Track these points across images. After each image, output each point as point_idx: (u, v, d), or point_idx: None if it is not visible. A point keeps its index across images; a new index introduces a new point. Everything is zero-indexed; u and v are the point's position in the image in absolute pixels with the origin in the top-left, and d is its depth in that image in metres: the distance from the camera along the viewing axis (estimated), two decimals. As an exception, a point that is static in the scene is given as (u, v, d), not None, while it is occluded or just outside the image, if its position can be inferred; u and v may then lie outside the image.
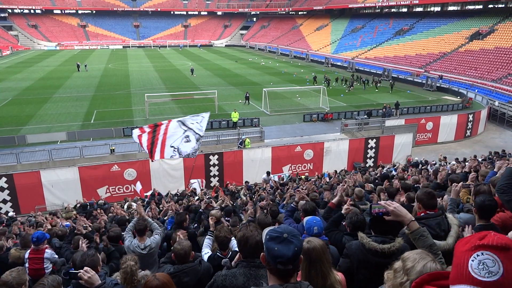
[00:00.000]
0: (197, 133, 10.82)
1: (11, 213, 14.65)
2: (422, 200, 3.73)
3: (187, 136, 10.75)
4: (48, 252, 5.70)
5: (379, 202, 2.94)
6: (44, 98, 33.85)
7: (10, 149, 20.23)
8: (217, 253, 4.37)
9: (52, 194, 16.56)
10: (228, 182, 17.20)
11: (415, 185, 8.40)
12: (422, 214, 3.69)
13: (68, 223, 10.05)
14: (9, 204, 16.04)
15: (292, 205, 5.89)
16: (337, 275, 2.67)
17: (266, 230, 2.13)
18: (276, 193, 11.76)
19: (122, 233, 6.01)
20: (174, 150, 11.01)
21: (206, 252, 4.65)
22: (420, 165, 15.70)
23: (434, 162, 16.78)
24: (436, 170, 11.27)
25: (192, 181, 16.97)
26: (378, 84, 40.96)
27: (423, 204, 3.72)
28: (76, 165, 17.30)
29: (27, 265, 5.47)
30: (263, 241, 2.10)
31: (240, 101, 33.12)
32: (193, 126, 10.87)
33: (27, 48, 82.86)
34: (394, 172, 14.32)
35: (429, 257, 1.85)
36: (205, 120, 11.18)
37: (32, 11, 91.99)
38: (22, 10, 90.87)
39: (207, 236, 5.03)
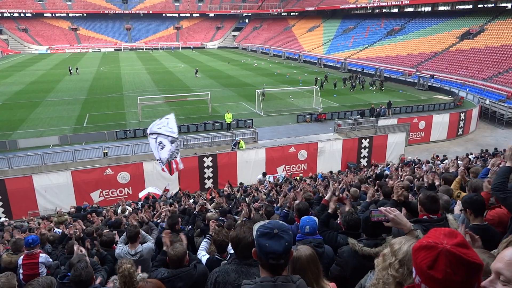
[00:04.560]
0: (168, 135, 10.91)
1: (3, 219, 14.47)
2: (424, 204, 3.66)
3: (160, 143, 10.87)
4: (43, 256, 5.64)
5: (379, 208, 2.93)
6: (36, 102, 33.52)
7: (1, 154, 19.99)
8: (216, 256, 4.36)
9: (44, 199, 16.39)
10: (228, 180, 16.92)
11: (411, 185, 8.46)
12: (425, 217, 3.65)
13: (59, 229, 9.91)
14: (1, 209, 15.86)
15: (284, 210, 5.94)
16: (327, 286, 2.58)
17: (256, 226, 2.13)
18: (271, 193, 11.76)
19: (116, 237, 5.96)
20: (160, 163, 11.53)
21: (203, 255, 4.63)
22: (413, 164, 15.79)
23: (428, 162, 16.89)
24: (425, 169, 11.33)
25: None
26: (361, 85, 40.42)
27: (425, 208, 3.65)
28: (69, 169, 17.17)
29: (21, 271, 5.40)
30: (254, 237, 2.12)
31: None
32: (160, 131, 10.95)
33: (17, 52, 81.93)
34: (387, 172, 14.39)
35: (414, 240, 1.90)
36: (172, 121, 11.31)
37: (22, 14, 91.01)
38: (12, 14, 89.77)
39: (205, 239, 5.01)
